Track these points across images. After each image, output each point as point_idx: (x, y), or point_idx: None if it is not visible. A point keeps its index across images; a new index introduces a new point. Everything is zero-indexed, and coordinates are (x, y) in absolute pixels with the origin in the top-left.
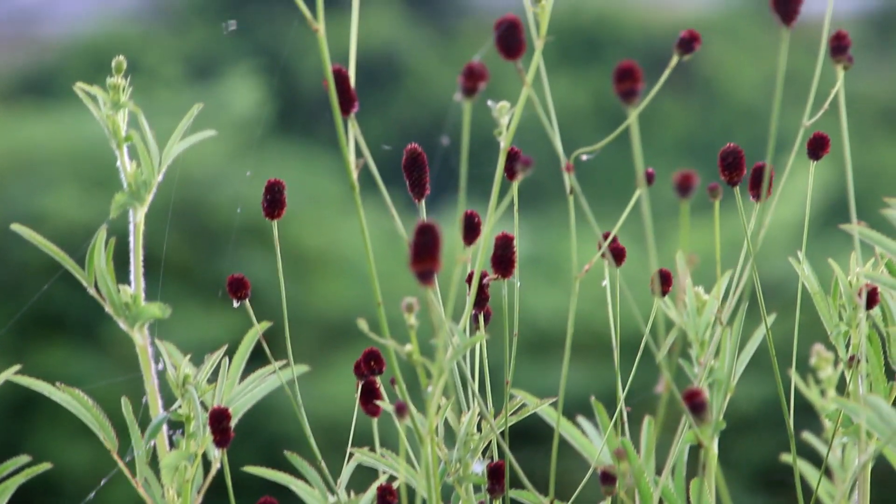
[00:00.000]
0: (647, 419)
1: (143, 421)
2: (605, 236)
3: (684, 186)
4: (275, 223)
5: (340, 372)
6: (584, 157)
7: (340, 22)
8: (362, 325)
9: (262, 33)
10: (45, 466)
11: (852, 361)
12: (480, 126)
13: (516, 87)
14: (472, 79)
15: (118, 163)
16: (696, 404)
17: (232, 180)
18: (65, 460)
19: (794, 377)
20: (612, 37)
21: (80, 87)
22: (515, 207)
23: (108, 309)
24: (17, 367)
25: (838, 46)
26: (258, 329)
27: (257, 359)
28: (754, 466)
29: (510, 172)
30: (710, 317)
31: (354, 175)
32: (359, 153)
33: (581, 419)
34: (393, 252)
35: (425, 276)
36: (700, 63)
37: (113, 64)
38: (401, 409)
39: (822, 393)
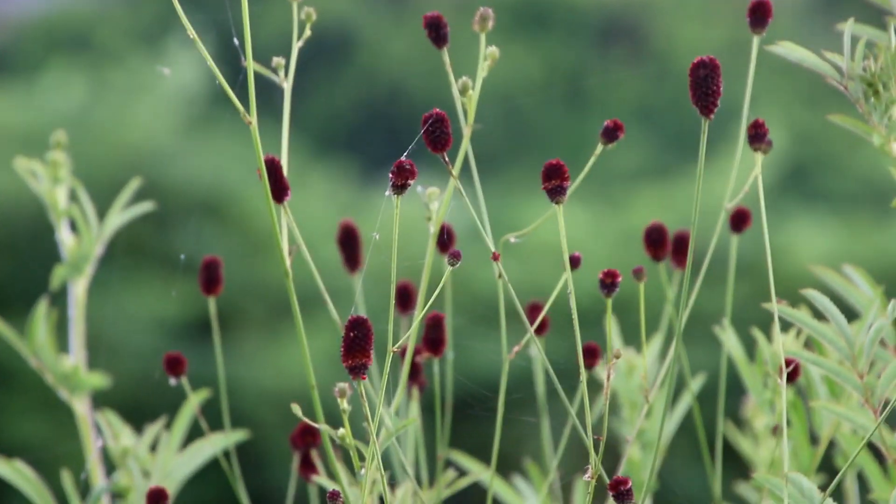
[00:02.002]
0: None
1: (86, 488)
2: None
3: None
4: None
5: (289, 343)
6: (513, 240)
7: None
8: (296, 409)
9: (213, 7)
10: None
11: (776, 430)
12: (437, 94)
13: (470, 54)
14: (402, 176)
15: (56, 235)
16: (622, 493)
17: (182, 155)
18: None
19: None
20: (565, 5)
21: (20, 163)
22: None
23: (48, 379)
24: None
25: (756, 134)
26: (195, 402)
27: (208, 332)
28: None
29: (442, 248)
30: (640, 379)
31: (288, 263)
32: (292, 241)
33: (518, 479)
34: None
35: (356, 370)
36: (652, 32)
37: (51, 140)
38: (334, 497)
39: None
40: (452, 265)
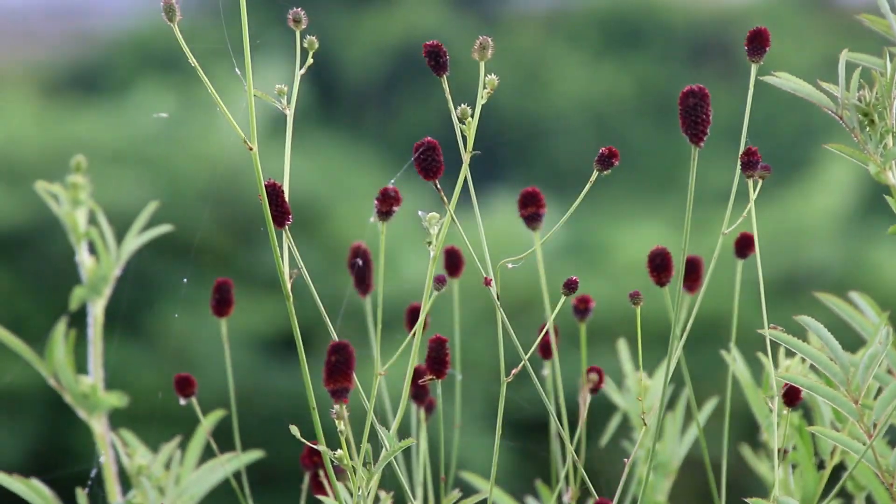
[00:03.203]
0: None
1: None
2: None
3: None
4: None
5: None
6: (510, 266)
7: (384, 13)
8: (294, 430)
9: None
10: None
11: (781, 454)
12: (526, 110)
13: (561, 72)
14: (387, 203)
15: (76, 257)
16: None
17: (266, 168)
18: None
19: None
20: (656, 24)
21: (41, 185)
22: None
23: (67, 399)
24: None
25: (748, 162)
26: (207, 424)
27: (293, 349)
28: None
29: (451, 272)
30: (654, 401)
31: (288, 285)
32: (293, 264)
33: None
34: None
35: (338, 393)
36: (743, 50)
37: (71, 163)
38: None
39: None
40: (438, 290)
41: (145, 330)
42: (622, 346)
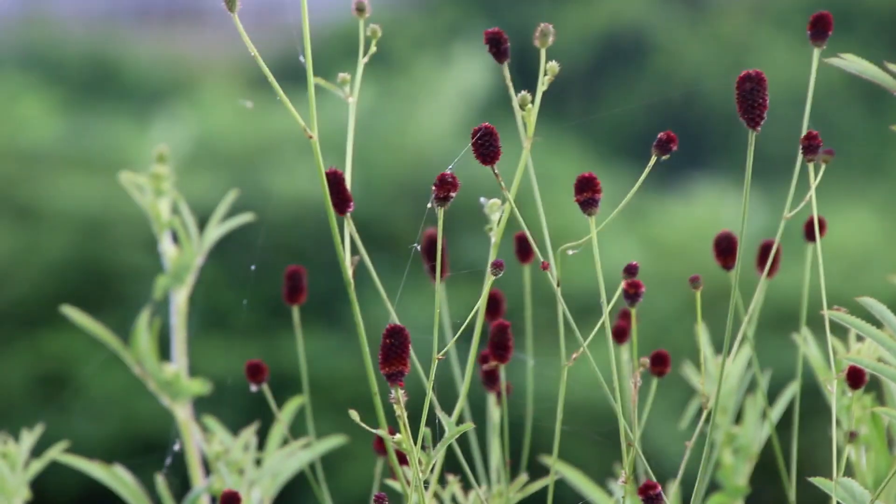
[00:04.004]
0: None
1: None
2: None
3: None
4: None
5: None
6: (570, 252)
7: (588, 1)
8: (354, 415)
9: (509, 13)
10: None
11: (852, 436)
12: (732, 98)
13: (768, 57)
14: (444, 188)
15: (159, 246)
16: (651, 498)
17: (466, 158)
18: None
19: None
20: (862, 8)
21: (124, 176)
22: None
23: (151, 386)
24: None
25: (809, 146)
26: (292, 407)
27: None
28: None
29: (522, 258)
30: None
31: (350, 272)
32: (354, 251)
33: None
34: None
35: (394, 377)
36: None
37: (153, 154)
38: (379, 500)
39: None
40: (495, 275)
41: (342, 318)
42: (701, 329)
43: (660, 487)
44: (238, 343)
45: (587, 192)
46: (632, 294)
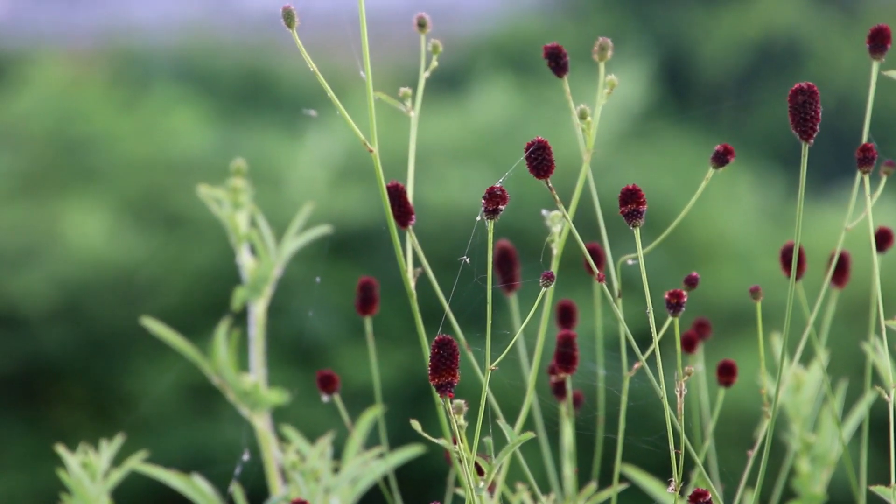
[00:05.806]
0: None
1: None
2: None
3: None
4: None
5: (736, 359)
6: (630, 262)
7: (742, 8)
8: (416, 425)
9: (662, 20)
10: None
11: None
12: (887, 106)
13: None
14: (493, 201)
15: (236, 259)
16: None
17: (616, 167)
18: None
19: None
20: None
21: (203, 189)
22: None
23: (230, 397)
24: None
25: (864, 158)
26: (369, 416)
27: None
28: None
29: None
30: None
31: (412, 284)
32: (416, 263)
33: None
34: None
35: (443, 388)
36: None
37: (231, 168)
38: None
39: None
40: (546, 286)
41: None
42: (776, 339)
43: (710, 495)
44: (389, 350)
45: (631, 203)
46: (673, 304)
